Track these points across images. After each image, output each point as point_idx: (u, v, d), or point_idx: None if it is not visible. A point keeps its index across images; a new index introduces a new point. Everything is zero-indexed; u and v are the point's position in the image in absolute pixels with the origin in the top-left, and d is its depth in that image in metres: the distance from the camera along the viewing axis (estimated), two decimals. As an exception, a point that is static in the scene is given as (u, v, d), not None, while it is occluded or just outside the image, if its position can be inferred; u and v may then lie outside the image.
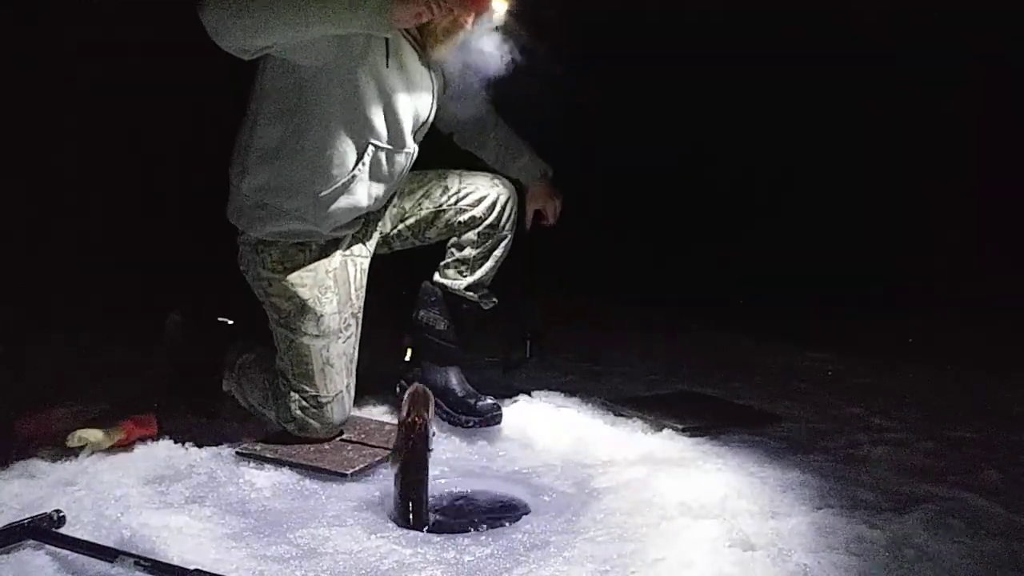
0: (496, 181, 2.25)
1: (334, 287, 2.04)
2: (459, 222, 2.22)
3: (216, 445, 2.04)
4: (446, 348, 2.26)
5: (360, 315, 2.12)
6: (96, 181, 3.78)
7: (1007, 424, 2.32)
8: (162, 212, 3.93)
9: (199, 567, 1.32)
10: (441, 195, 2.22)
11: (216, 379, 2.22)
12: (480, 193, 2.21)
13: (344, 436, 2.11)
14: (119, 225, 3.83)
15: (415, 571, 1.43)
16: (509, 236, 2.28)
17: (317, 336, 2.00)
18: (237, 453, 1.99)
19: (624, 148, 4.76)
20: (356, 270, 2.11)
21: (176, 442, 2.04)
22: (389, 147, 1.98)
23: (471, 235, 2.23)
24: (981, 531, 1.59)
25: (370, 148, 1.95)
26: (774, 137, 4.38)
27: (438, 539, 1.57)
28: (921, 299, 3.80)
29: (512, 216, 2.26)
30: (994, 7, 3.61)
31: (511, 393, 2.45)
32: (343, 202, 1.97)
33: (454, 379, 2.25)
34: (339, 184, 1.94)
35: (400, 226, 2.25)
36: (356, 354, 2.11)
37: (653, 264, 4.53)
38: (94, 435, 1.95)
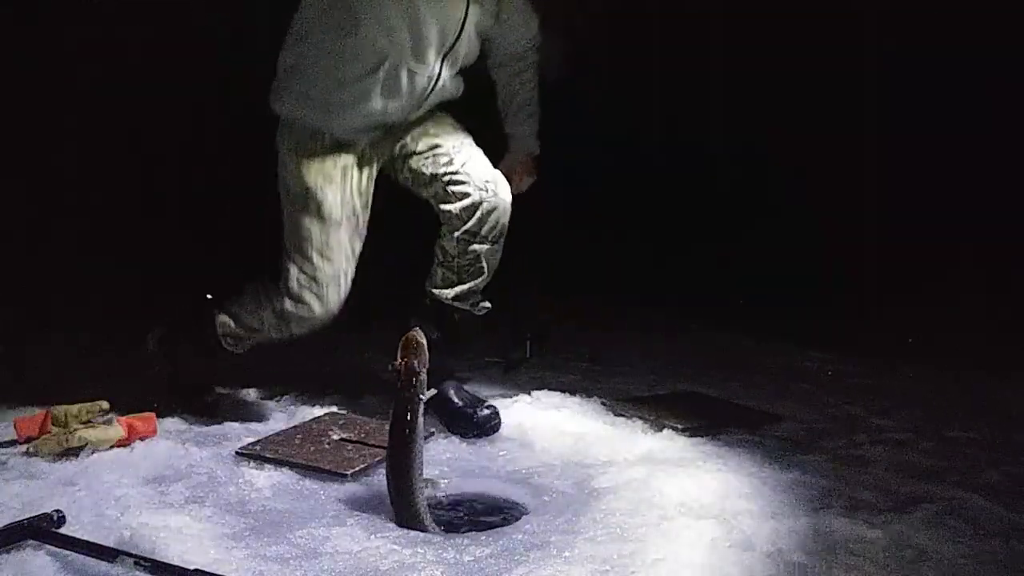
0: (490, 184, 2.17)
1: (340, 181, 2.08)
2: (442, 210, 2.18)
3: (216, 445, 2.04)
4: (440, 358, 2.25)
5: (363, 216, 2.14)
6: (96, 181, 3.78)
7: (1007, 424, 2.32)
8: (162, 212, 3.93)
9: (199, 567, 1.32)
10: (444, 165, 2.17)
11: (210, 377, 2.24)
12: (467, 189, 2.15)
13: (344, 436, 2.11)
14: (119, 225, 3.83)
15: (415, 571, 1.43)
16: (492, 247, 2.20)
17: (317, 219, 2.06)
18: (237, 453, 1.99)
19: (624, 148, 4.76)
20: (364, 174, 2.14)
21: (176, 442, 2.04)
22: (409, 64, 1.98)
23: (452, 239, 2.18)
24: (981, 531, 1.59)
25: (388, 62, 1.96)
26: (775, 137, 4.38)
27: (438, 539, 1.57)
28: (921, 299, 3.80)
29: (496, 227, 2.18)
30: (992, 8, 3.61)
31: (511, 393, 2.45)
32: (355, 107, 2.02)
33: (451, 389, 2.25)
34: (353, 89, 1.98)
35: (408, 163, 2.21)
36: (357, 247, 2.13)
37: (653, 264, 4.53)
38: (94, 435, 1.95)
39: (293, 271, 2.08)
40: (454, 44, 2.04)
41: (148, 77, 3.67)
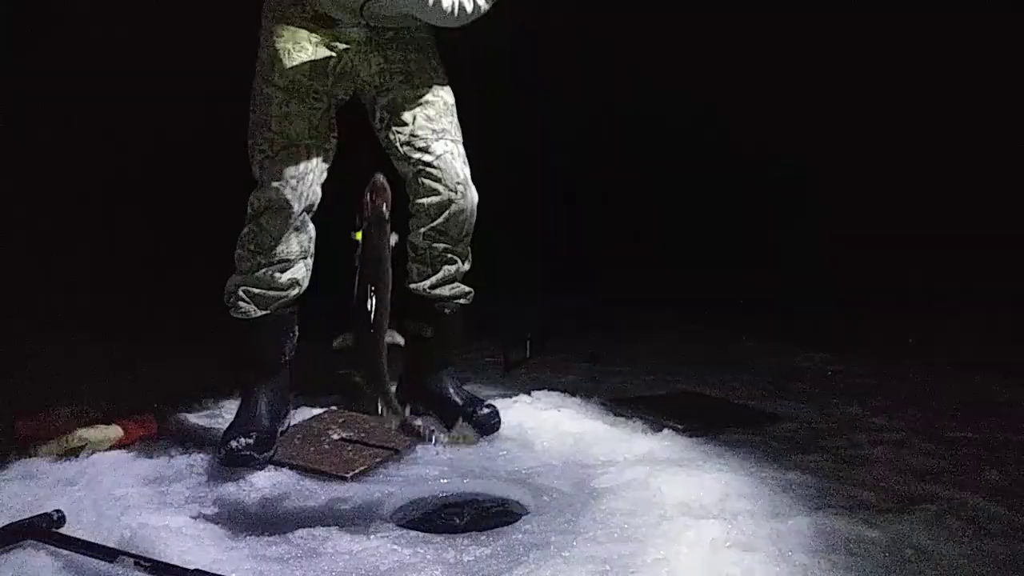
0: (460, 187, 2.11)
1: (311, 51, 2.03)
2: (411, 200, 2.13)
3: (216, 445, 2.04)
4: (436, 355, 2.24)
5: (336, 100, 2.08)
6: (96, 181, 3.79)
7: (1007, 424, 2.32)
8: (162, 212, 3.93)
9: (199, 567, 1.32)
10: (419, 151, 2.10)
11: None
12: (438, 187, 2.10)
13: (344, 435, 2.11)
14: (119, 225, 3.83)
15: (415, 571, 1.43)
16: (457, 246, 2.17)
17: (280, 88, 2.01)
18: (237, 453, 1.99)
19: (624, 148, 4.76)
20: (340, 64, 2.07)
21: (176, 442, 2.05)
22: None
23: (418, 235, 2.14)
24: (981, 531, 1.59)
25: None
26: (775, 137, 4.39)
27: (438, 539, 1.56)
28: (921, 299, 3.80)
29: (462, 229, 2.15)
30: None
31: (511, 393, 2.45)
32: None
33: (450, 387, 2.24)
34: None
35: (389, 130, 2.13)
36: (325, 131, 2.07)
37: (653, 264, 4.53)
38: (94, 435, 1.95)
39: (257, 153, 2.02)
40: None
41: (149, 76, 3.68)
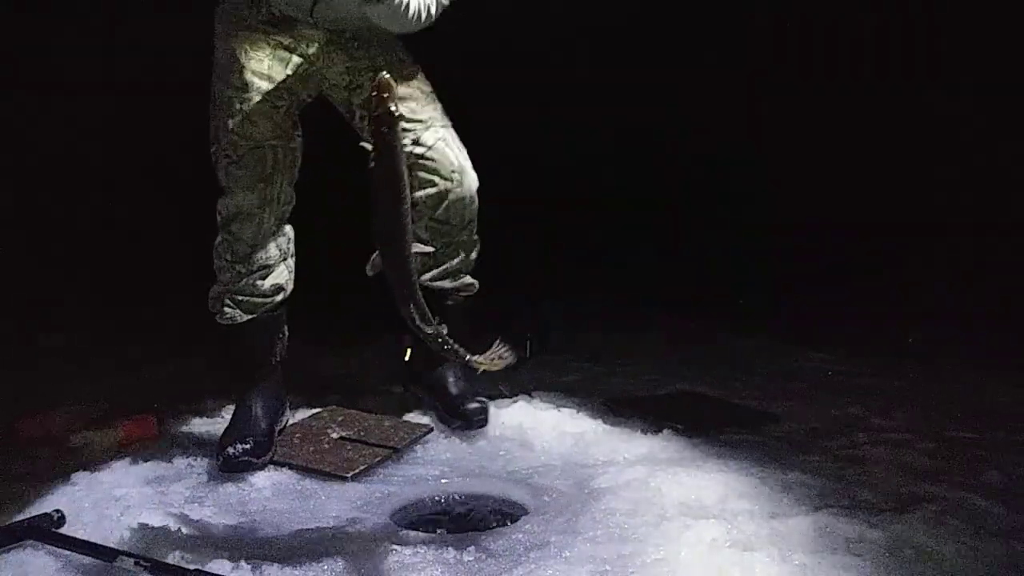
0: (455, 175, 2.06)
1: (268, 51, 1.98)
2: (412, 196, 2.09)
3: (216, 445, 2.04)
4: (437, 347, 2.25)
5: (298, 99, 2.03)
6: (95, 181, 3.79)
7: (1007, 424, 2.32)
8: (161, 212, 3.93)
9: (199, 567, 1.33)
10: (409, 144, 2.00)
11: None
12: (434, 178, 2.05)
13: (343, 434, 2.11)
14: (118, 225, 3.83)
15: (415, 571, 1.43)
16: (463, 233, 2.13)
17: (238, 89, 1.94)
18: (237, 453, 1.99)
19: (625, 148, 4.77)
20: (300, 66, 2.01)
21: (176, 442, 2.05)
22: None
23: (423, 227, 2.09)
24: (981, 531, 1.59)
25: None
26: (775, 137, 4.39)
27: (438, 539, 1.57)
28: (921, 299, 3.80)
29: (465, 216, 2.10)
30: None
31: (511, 393, 2.45)
32: None
33: (450, 377, 2.23)
34: None
35: (362, 110, 2.06)
36: (289, 131, 2.01)
37: (653, 264, 4.53)
38: (94, 435, 1.95)
39: (221, 159, 1.96)
40: None
41: (149, 76, 3.68)
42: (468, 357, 1.68)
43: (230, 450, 1.89)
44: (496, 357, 1.67)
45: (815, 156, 4.31)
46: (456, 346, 1.68)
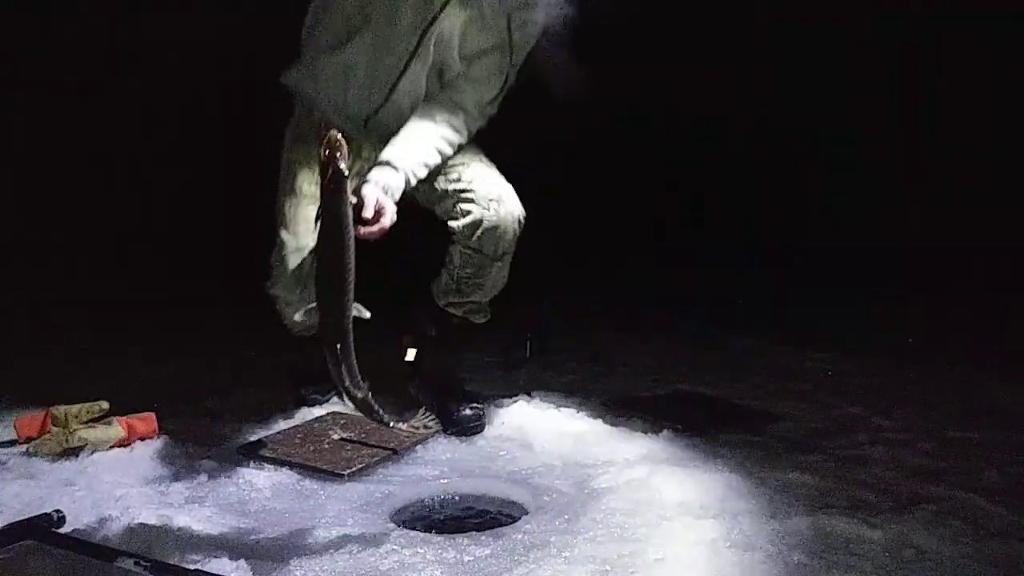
0: (492, 204, 2.08)
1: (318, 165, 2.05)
2: (449, 226, 2.14)
3: (216, 445, 2.05)
4: (435, 353, 2.26)
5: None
6: (95, 181, 3.79)
7: (1007, 424, 2.32)
8: (161, 213, 3.93)
9: (199, 567, 1.32)
10: (453, 181, 2.11)
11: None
12: (472, 208, 2.08)
13: (344, 436, 2.11)
14: (120, 225, 3.83)
15: (415, 571, 1.43)
16: (498, 264, 2.15)
17: (290, 194, 2.13)
18: (237, 453, 1.99)
19: (625, 148, 4.77)
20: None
21: (176, 442, 2.05)
22: (378, 36, 1.98)
23: (457, 250, 2.14)
24: (981, 531, 1.59)
25: (367, 30, 1.97)
26: (775, 136, 4.39)
27: (438, 539, 1.56)
28: (921, 299, 3.80)
29: (498, 245, 2.11)
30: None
31: (511, 393, 2.45)
32: (335, 74, 2.04)
33: (448, 381, 2.25)
34: (335, 56, 2.02)
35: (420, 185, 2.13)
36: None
37: (654, 264, 4.53)
38: (94, 435, 1.95)
39: (273, 252, 2.14)
40: (430, 26, 1.95)
41: (151, 77, 3.68)
42: (392, 424, 1.69)
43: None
44: (421, 426, 1.66)
45: (815, 156, 4.31)
46: (382, 413, 1.66)
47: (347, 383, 1.56)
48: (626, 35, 4.41)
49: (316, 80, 2.09)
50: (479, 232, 2.09)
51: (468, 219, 2.09)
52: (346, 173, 1.50)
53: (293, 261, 2.12)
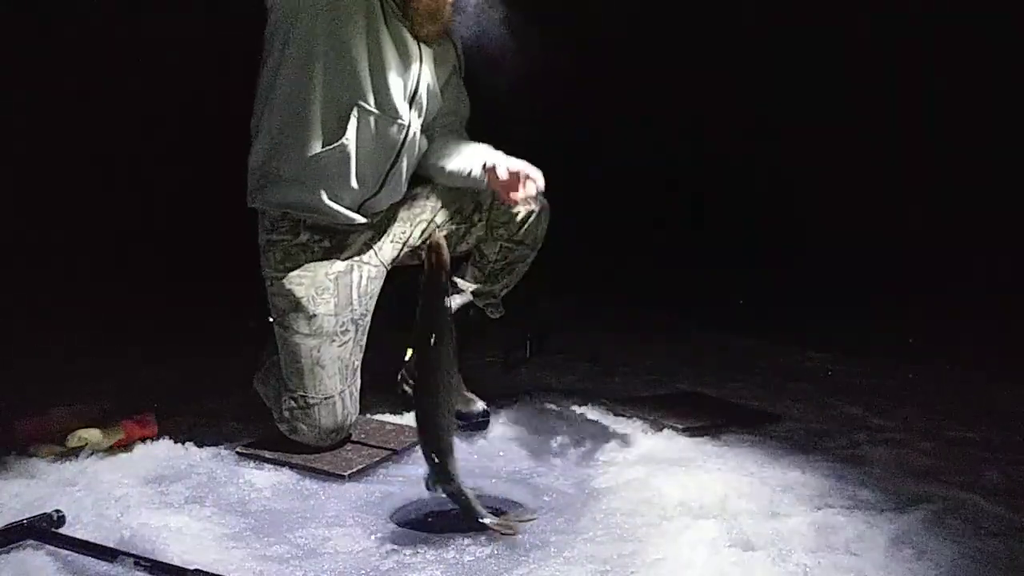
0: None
1: (333, 289, 2.00)
2: (488, 235, 2.19)
3: (216, 445, 2.05)
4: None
5: (363, 322, 2.06)
6: (94, 182, 3.78)
7: (1007, 424, 2.32)
8: (160, 212, 3.93)
9: (199, 567, 1.32)
10: (472, 211, 2.16)
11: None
12: (511, 208, 2.13)
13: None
14: (120, 225, 3.83)
15: (415, 571, 1.43)
16: (532, 254, 2.23)
17: (308, 335, 1.96)
18: (237, 453, 1.99)
19: (625, 148, 4.76)
20: (363, 276, 2.06)
21: (176, 442, 2.04)
22: (377, 112, 1.91)
23: (494, 245, 2.19)
24: (981, 531, 1.59)
25: (356, 110, 1.88)
26: (775, 136, 4.38)
27: (438, 539, 1.57)
28: (921, 299, 3.79)
29: (536, 233, 2.19)
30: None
31: (511, 393, 2.45)
32: (334, 168, 1.91)
33: (452, 380, 2.24)
34: (325, 157, 1.89)
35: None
36: (356, 361, 2.05)
37: (654, 264, 4.53)
38: (94, 435, 1.95)
39: (286, 398, 1.99)
40: (416, 89, 1.98)
41: (152, 77, 3.68)
42: (484, 519, 1.59)
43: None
44: (513, 522, 1.62)
45: (815, 156, 4.31)
46: (476, 505, 1.60)
47: (440, 478, 1.59)
48: (626, 35, 4.41)
49: (313, 186, 1.92)
50: (527, 225, 2.16)
51: (514, 217, 2.15)
52: (445, 283, 1.54)
53: (326, 411, 1.96)
